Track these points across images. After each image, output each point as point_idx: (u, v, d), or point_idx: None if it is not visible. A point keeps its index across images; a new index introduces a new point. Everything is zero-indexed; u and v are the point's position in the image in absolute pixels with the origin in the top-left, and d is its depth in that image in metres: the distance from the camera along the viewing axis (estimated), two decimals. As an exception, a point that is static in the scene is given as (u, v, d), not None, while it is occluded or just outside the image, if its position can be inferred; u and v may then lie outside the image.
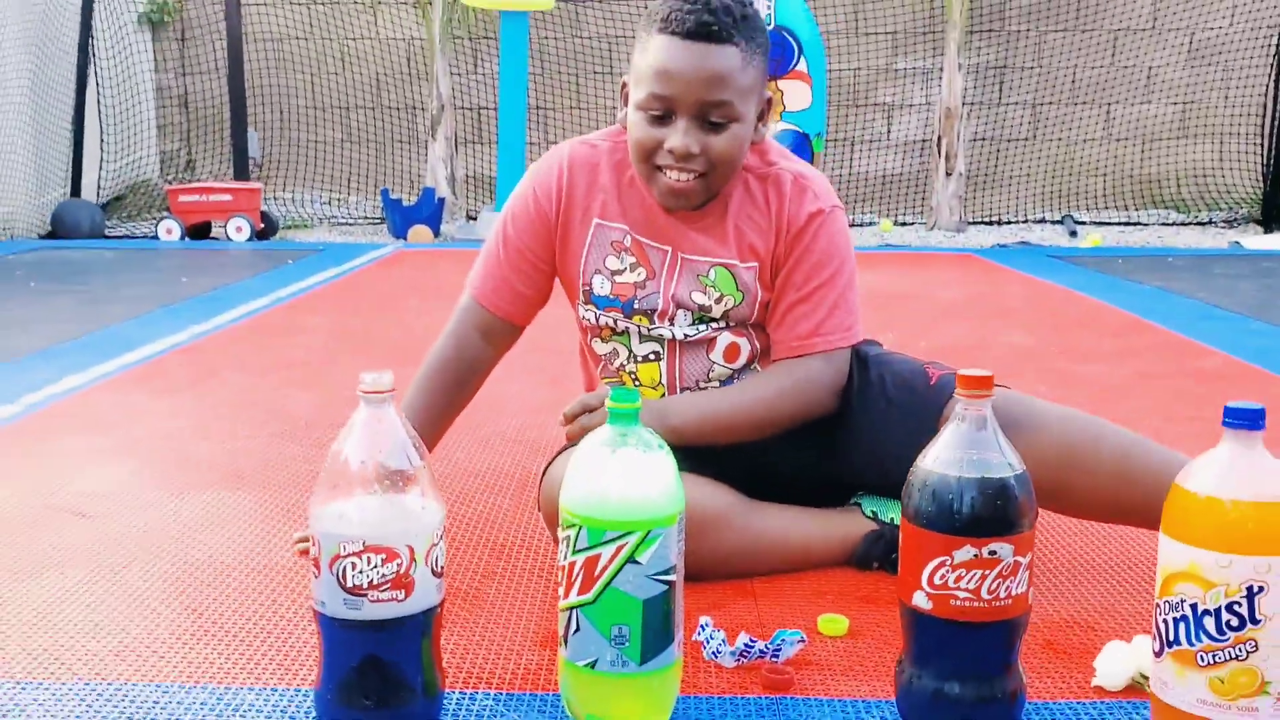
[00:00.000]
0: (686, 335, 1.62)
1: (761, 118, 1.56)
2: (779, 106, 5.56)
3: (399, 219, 6.67)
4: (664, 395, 1.64)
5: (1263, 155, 7.45)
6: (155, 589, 1.50)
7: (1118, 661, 1.22)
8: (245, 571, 1.57)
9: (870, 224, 7.26)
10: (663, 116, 1.50)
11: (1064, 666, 1.28)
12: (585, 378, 1.79)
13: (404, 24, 8.06)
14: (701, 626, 1.32)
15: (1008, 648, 1.07)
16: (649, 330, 1.62)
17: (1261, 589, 0.98)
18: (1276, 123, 7.30)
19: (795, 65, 5.55)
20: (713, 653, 1.30)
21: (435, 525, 1.06)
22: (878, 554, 1.55)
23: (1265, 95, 7.46)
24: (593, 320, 1.65)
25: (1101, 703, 1.20)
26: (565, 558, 1.11)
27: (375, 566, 1.02)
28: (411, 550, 1.04)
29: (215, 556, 1.62)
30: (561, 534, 1.12)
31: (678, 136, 1.48)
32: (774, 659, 1.28)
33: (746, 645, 1.29)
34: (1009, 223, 7.45)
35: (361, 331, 3.55)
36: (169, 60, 8.27)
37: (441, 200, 6.82)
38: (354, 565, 1.02)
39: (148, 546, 1.66)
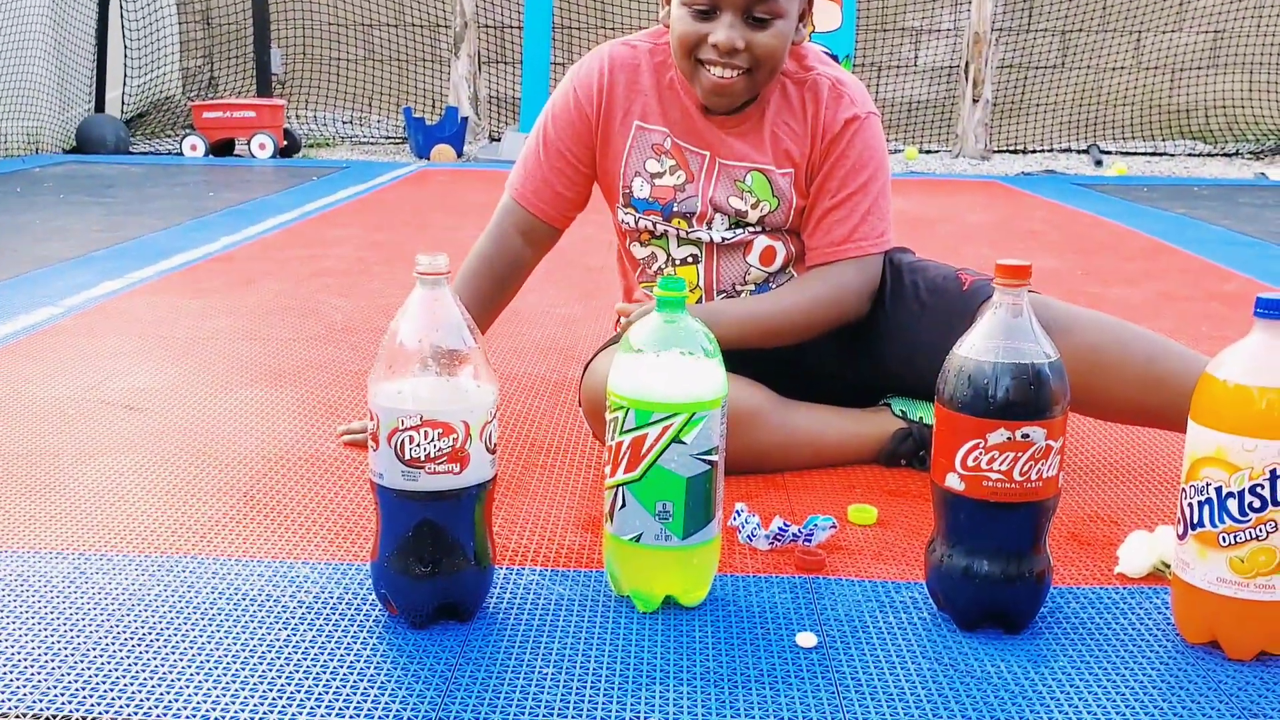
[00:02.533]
0: (724, 239, 1.65)
1: (802, 18, 1.57)
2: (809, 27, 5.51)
3: (422, 138, 6.67)
4: (700, 299, 1.68)
5: (1294, 86, 7.37)
6: (207, 476, 1.56)
7: (1140, 550, 1.27)
8: (293, 460, 1.62)
9: (896, 151, 7.23)
10: (707, 12, 1.52)
11: (1089, 556, 1.33)
12: (623, 285, 1.83)
13: (427, -60, 7.99)
14: (737, 512, 1.37)
15: (1037, 529, 1.12)
16: (687, 234, 1.66)
17: (1285, 472, 1.02)
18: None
19: None
20: (748, 536, 1.35)
21: (489, 403, 1.11)
22: (906, 451, 1.60)
23: (1299, 24, 7.35)
24: (631, 224, 1.69)
25: (1124, 589, 1.25)
26: (613, 438, 1.16)
27: (432, 440, 1.07)
28: (467, 426, 1.08)
29: (263, 447, 1.68)
30: (610, 416, 1.16)
31: (722, 31, 1.50)
32: (806, 543, 1.33)
33: (780, 529, 1.34)
34: (1035, 151, 7.41)
35: (391, 244, 3.58)
36: (191, -24, 8.23)
37: (464, 120, 6.81)
38: (412, 439, 1.07)
39: (198, 438, 1.72)
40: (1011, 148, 7.43)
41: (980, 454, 1.09)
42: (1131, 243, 3.94)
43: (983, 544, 1.12)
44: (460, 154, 6.67)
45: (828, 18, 5.49)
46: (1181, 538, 1.10)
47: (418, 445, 1.07)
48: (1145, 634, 1.14)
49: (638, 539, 1.15)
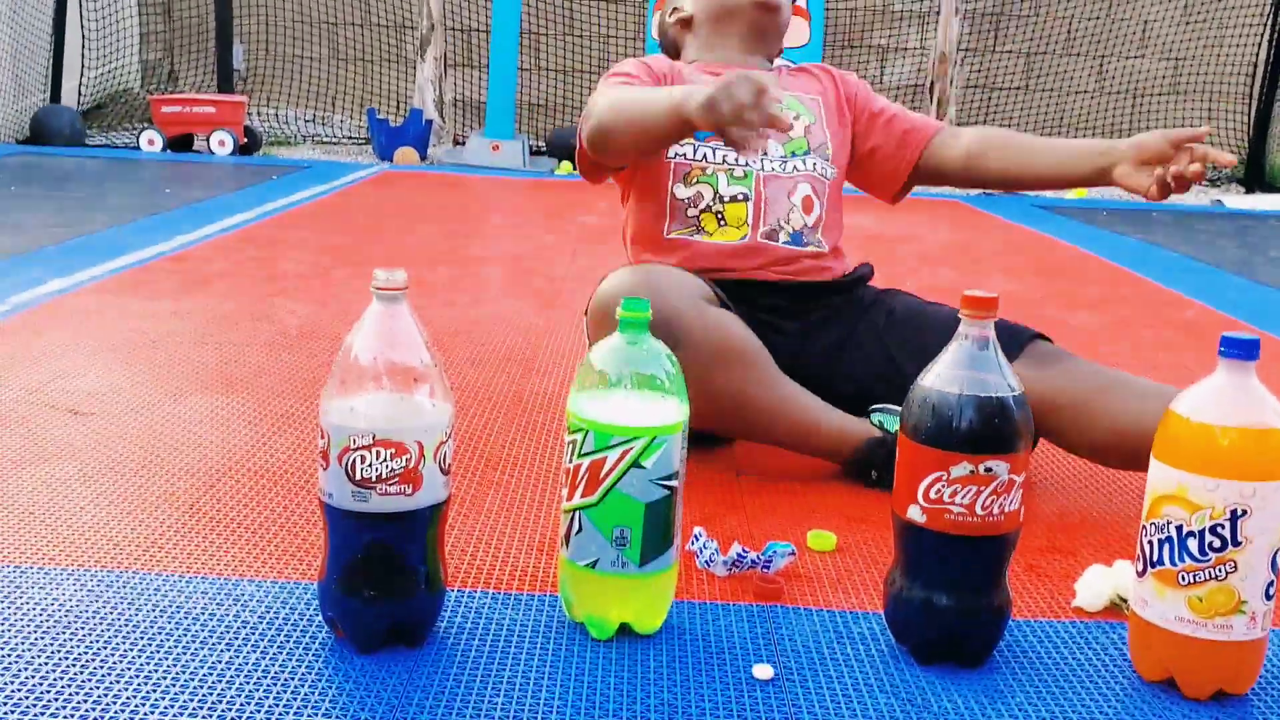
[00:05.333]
0: (774, 170, 1.76)
1: None
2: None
3: (385, 139, 6.62)
4: (746, 235, 1.75)
5: (1249, 116, 7.48)
6: (152, 485, 1.52)
7: (1097, 584, 1.26)
8: (242, 472, 1.59)
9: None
10: None
11: (1046, 588, 1.32)
12: (633, 249, 1.85)
13: (395, -60, 7.93)
14: (695, 537, 1.35)
15: (998, 563, 1.11)
16: (742, 166, 1.76)
17: (1245, 512, 1.02)
18: (1263, 84, 7.32)
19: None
20: (705, 561, 1.33)
21: (444, 423, 1.08)
22: (878, 460, 1.58)
23: (1256, 55, 7.46)
24: (689, 154, 1.76)
25: (1081, 622, 1.24)
26: (571, 461, 1.13)
27: (384, 460, 1.04)
28: (421, 446, 1.05)
29: (212, 457, 1.64)
30: (568, 438, 1.14)
31: None
32: (765, 569, 1.32)
33: (739, 556, 1.32)
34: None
35: (350, 248, 3.53)
36: (153, -32, 8.11)
37: (429, 123, 6.76)
38: (363, 458, 1.04)
39: (144, 446, 1.67)
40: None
41: (943, 486, 1.08)
42: (1091, 267, 3.97)
43: (943, 577, 1.10)
44: (424, 157, 6.62)
45: (796, 33, 5.50)
46: (1140, 575, 1.09)
47: (369, 465, 1.04)
48: (1102, 670, 1.13)
49: (594, 565, 1.13)
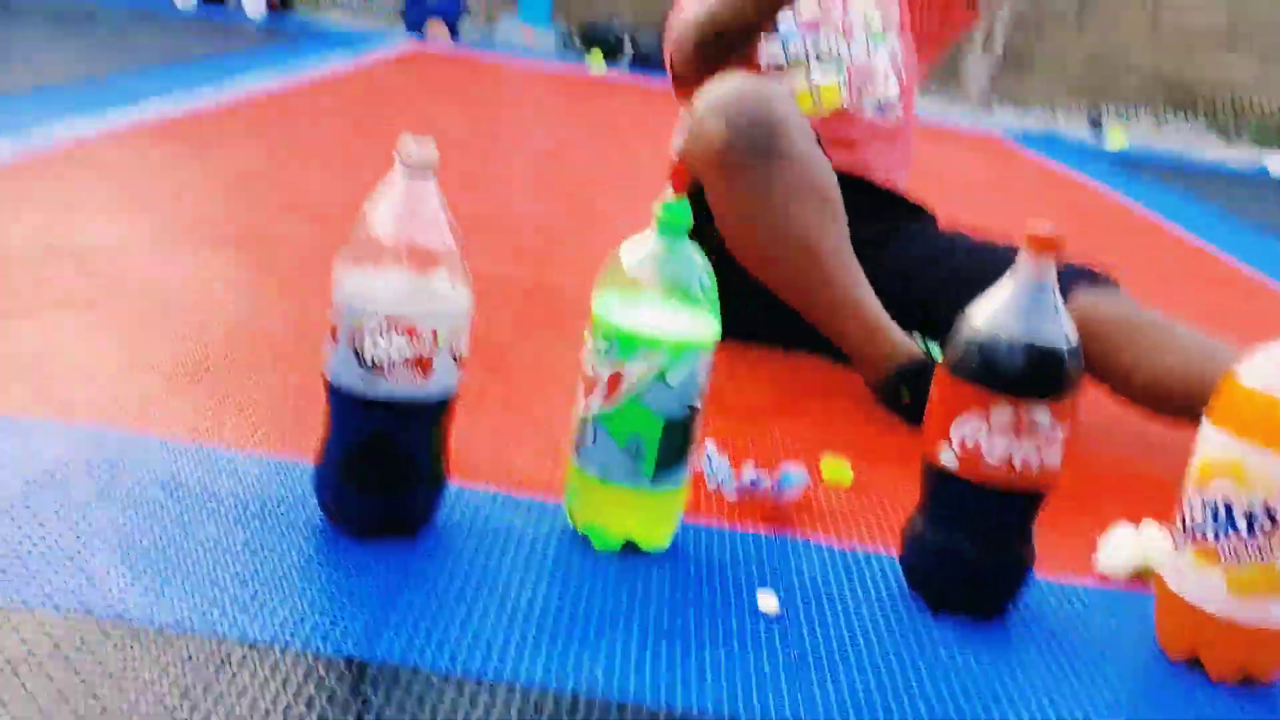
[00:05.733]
0: (858, 58, 1.86)
1: None
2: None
3: (418, 11, 6.43)
4: (842, 106, 1.84)
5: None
6: (155, 343, 1.46)
7: (1124, 548, 1.21)
8: (248, 339, 1.53)
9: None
10: None
11: (1068, 546, 1.26)
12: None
13: None
14: (707, 456, 1.29)
15: (1029, 518, 1.05)
16: (831, 51, 1.85)
17: (1302, 494, 0.96)
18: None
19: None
20: (717, 484, 1.27)
21: (462, 310, 1.02)
22: (911, 382, 1.48)
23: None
24: (779, 54, 1.85)
25: (1103, 589, 1.18)
26: (592, 366, 1.07)
27: (397, 343, 0.98)
28: (435, 332, 0.99)
29: (218, 319, 1.58)
30: (589, 342, 1.08)
31: None
32: (777, 496, 1.26)
33: (753, 481, 1.26)
34: (1037, 108, 7.28)
35: (378, 123, 3.44)
36: None
37: (464, -1, 6.58)
38: (374, 339, 0.98)
39: (150, 299, 1.61)
40: (1015, 101, 7.29)
41: (981, 430, 1.01)
42: (1127, 219, 3.87)
43: (969, 527, 1.05)
44: (455, 35, 6.45)
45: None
46: (1179, 545, 1.04)
47: (379, 347, 0.98)
48: (1123, 640, 1.08)
49: (604, 474, 1.07)
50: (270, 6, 6.30)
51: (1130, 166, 5.28)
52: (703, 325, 1.06)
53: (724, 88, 1.56)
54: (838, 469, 1.36)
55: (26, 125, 2.57)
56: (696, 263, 1.07)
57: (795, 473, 1.27)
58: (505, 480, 1.22)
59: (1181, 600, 1.03)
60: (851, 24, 1.88)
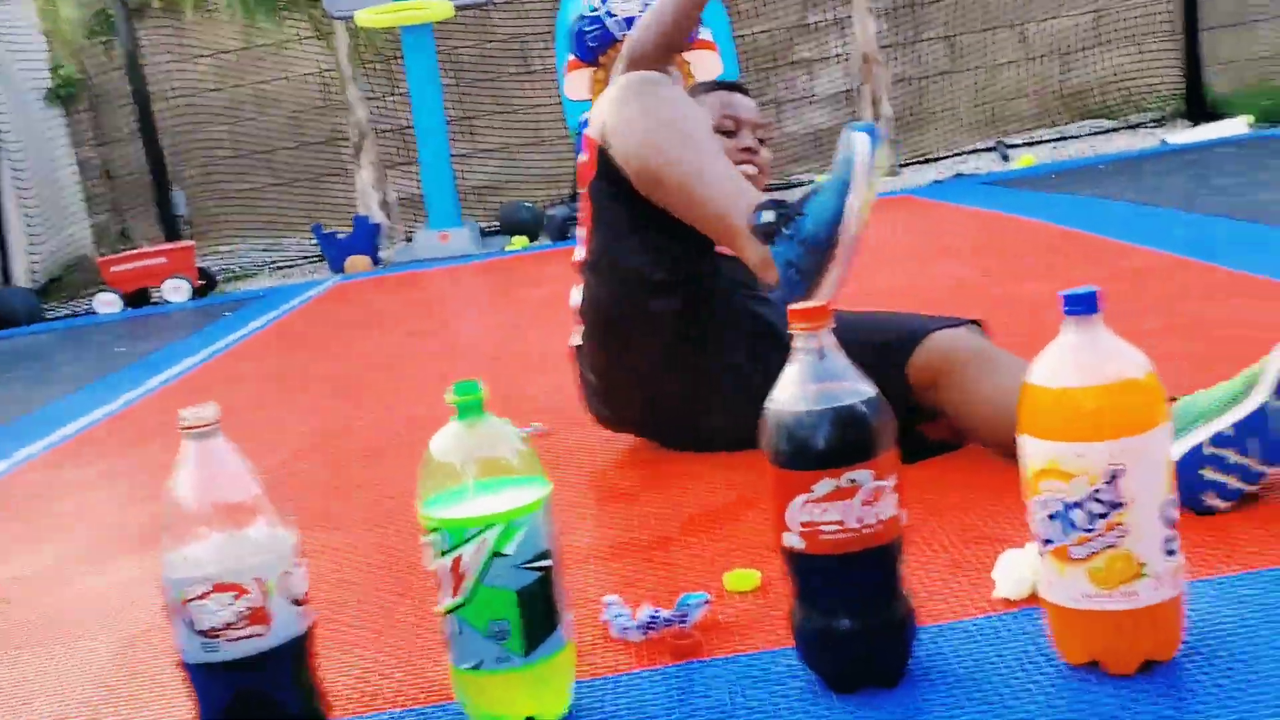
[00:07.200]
0: None
1: None
2: (689, 78, 5.52)
3: (335, 252, 6.62)
4: None
5: (1183, 50, 7.46)
6: (65, 662, 1.47)
7: (1016, 569, 1.20)
8: (148, 645, 1.53)
9: (807, 183, 7.24)
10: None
11: (967, 582, 1.26)
12: None
13: (313, 57, 7.99)
14: (607, 605, 1.29)
15: (888, 574, 1.05)
16: None
17: (1121, 471, 0.96)
18: (1185, 15, 7.31)
19: (698, 35, 5.50)
20: (620, 630, 1.27)
21: (286, 552, 1.03)
22: (774, 205, 1.57)
23: (1173, -11, 7.46)
24: None
25: (998, 616, 1.17)
26: (431, 563, 1.08)
27: (226, 605, 0.99)
28: (261, 583, 1.00)
29: (121, 627, 1.59)
30: (424, 540, 1.09)
31: None
32: (682, 625, 1.26)
33: (651, 617, 1.26)
34: (942, 158, 7.43)
35: (294, 372, 3.50)
36: (85, 133, 8.18)
37: (376, 226, 6.77)
38: (203, 607, 0.99)
39: (56, 624, 1.62)
40: (919, 158, 7.45)
41: (812, 507, 1.02)
42: (1041, 235, 3.92)
43: (835, 600, 1.05)
44: (376, 261, 6.61)
45: (708, 66, 5.49)
46: (1041, 555, 1.03)
47: (211, 613, 0.99)
48: (1026, 661, 1.07)
49: (478, 666, 1.07)
50: (195, 293, 6.47)
51: (1038, 183, 5.38)
52: (526, 490, 1.08)
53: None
54: (742, 577, 1.35)
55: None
56: (504, 431, 1.09)
57: (693, 597, 1.27)
58: (400, 698, 1.22)
59: (1060, 607, 1.02)
60: None
